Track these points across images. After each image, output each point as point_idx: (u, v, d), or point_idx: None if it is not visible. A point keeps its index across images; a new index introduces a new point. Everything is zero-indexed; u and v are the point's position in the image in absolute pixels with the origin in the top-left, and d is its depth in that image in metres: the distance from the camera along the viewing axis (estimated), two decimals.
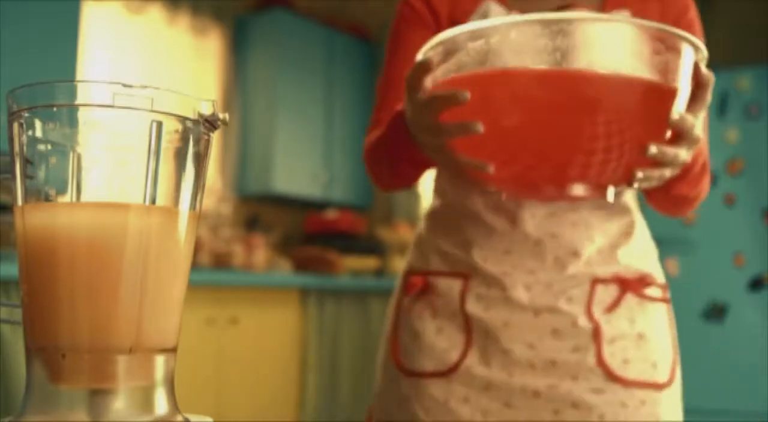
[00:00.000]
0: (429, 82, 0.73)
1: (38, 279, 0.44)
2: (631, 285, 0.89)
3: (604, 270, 0.89)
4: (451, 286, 0.92)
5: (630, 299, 0.89)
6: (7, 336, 2.29)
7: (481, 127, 0.68)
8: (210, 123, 0.46)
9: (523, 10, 0.92)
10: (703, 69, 0.72)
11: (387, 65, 1.02)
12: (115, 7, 3.42)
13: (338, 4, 4.43)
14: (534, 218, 0.89)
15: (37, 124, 0.44)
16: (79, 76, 2.85)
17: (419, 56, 0.75)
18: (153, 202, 0.44)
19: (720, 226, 3.12)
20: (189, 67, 3.74)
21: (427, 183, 4.24)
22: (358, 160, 4.22)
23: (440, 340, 0.90)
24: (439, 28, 0.95)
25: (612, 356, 0.86)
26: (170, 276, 0.46)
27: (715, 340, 3.07)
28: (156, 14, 3.59)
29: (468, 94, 0.67)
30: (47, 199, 0.44)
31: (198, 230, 0.49)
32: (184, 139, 0.45)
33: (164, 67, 3.63)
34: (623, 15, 0.92)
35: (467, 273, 0.91)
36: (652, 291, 0.91)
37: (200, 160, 0.47)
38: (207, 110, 0.46)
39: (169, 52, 3.65)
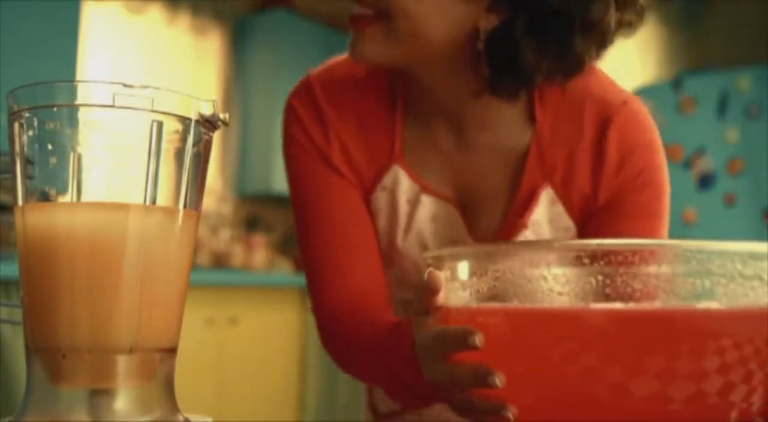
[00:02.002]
0: (440, 301, 0.57)
1: (38, 280, 0.44)
2: None
3: None
4: None
5: None
6: (7, 336, 2.29)
7: (500, 382, 0.51)
8: (210, 123, 0.46)
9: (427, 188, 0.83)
10: None
11: (314, 225, 0.83)
12: (115, 7, 3.42)
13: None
14: None
15: (38, 124, 0.44)
16: (79, 76, 2.85)
17: (427, 261, 0.58)
18: (153, 202, 0.44)
19: (720, 226, 3.12)
20: (189, 67, 3.74)
21: None
22: None
23: None
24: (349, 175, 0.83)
25: None
26: (170, 276, 0.45)
27: None
28: (156, 14, 3.59)
29: (479, 341, 0.52)
30: (47, 199, 0.44)
31: (198, 230, 0.49)
32: (185, 139, 0.45)
33: (164, 67, 3.63)
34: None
35: None
36: None
37: (200, 160, 0.47)
38: (207, 110, 0.46)
39: (169, 52, 3.65)
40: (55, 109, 0.44)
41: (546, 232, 0.82)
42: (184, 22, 3.71)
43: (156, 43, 3.59)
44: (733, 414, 0.51)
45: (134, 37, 3.50)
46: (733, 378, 0.49)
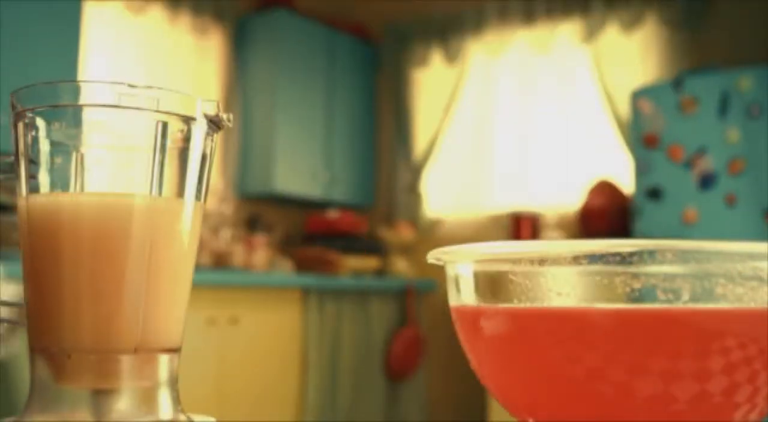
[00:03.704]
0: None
1: (41, 278, 0.44)
2: None
3: None
4: None
5: None
6: (7, 336, 2.29)
7: None
8: (214, 123, 0.46)
9: None
10: None
11: None
12: (115, 7, 3.42)
13: (339, 5, 4.43)
14: None
15: (41, 124, 0.44)
16: (80, 76, 2.85)
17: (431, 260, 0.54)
18: None
19: (720, 226, 3.12)
20: (190, 68, 3.74)
21: (428, 184, 4.24)
22: (358, 160, 4.22)
23: None
24: None
25: None
26: (174, 275, 0.46)
27: None
28: (157, 14, 3.60)
29: None
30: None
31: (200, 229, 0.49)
32: (189, 140, 0.45)
33: (165, 67, 3.63)
34: None
35: None
36: None
37: (204, 161, 0.47)
38: (211, 110, 0.46)
39: (170, 52, 3.66)
40: (59, 109, 0.44)
41: None
42: (184, 22, 3.71)
43: (157, 43, 3.59)
44: (738, 415, 0.51)
45: (135, 37, 3.50)
46: (738, 378, 0.50)
